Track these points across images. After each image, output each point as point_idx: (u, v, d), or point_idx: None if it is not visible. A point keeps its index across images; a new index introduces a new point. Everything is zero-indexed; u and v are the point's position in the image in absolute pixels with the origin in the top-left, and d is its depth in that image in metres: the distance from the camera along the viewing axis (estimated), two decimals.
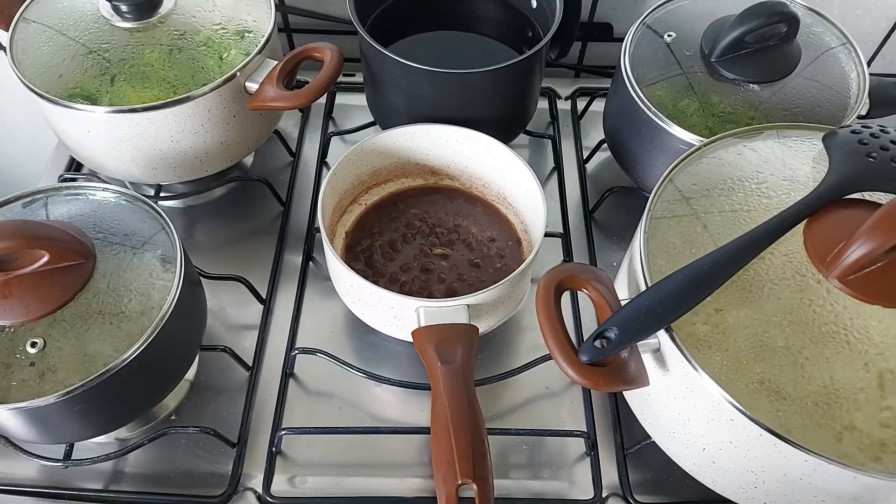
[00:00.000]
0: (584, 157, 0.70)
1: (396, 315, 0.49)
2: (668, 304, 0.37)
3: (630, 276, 0.45)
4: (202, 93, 0.54)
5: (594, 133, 0.74)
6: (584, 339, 0.39)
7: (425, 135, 0.58)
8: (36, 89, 0.54)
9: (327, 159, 0.70)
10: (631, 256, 0.46)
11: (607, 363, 0.38)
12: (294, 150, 0.70)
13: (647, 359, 0.41)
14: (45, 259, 0.42)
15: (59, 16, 0.59)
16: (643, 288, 0.42)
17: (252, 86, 0.56)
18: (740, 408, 0.36)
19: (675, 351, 0.38)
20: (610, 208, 0.66)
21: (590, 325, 0.59)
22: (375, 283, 0.50)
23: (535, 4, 0.63)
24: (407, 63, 0.54)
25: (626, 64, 0.58)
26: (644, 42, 0.59)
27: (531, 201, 0.55)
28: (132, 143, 0.55)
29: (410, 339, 0.51)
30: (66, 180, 0.66)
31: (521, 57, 0.55)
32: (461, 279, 0.56)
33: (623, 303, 0.41)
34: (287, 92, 0.55)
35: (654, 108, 0.55)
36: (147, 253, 0.51)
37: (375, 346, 0.58)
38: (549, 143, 0.72)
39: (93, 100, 0.56)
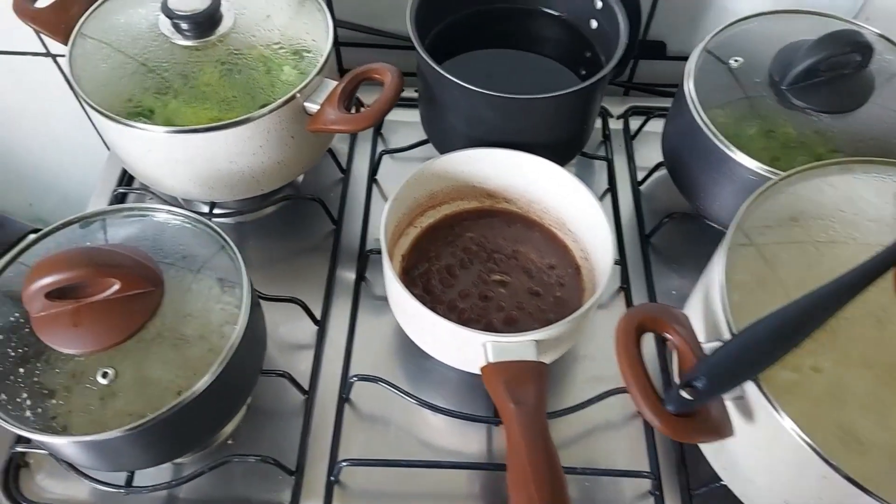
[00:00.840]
0: (639, 178, 0.69)
1: (460, 347, 0.48)
2: (758, 354, 0.36)
3: (706, 315, 0.44)
4: (262, 114, 0.53)
5: (646, 152, 0.72)
6: (650, 377, 0.38)
7: (486, 159, 0.57)
8: (97, 107, 0.53)
9: (377, 177, 0.69)
10: (706, 294, 0.45)
11: (692, 413, 0.36)
12: (345, 166, 0.70)
13: (729, 406, 0.40)
14: (116, 287, 0.42)
15: (118, 32, 0.59)
16: (722, 328, 0.40)
17: (311, 106, 0.55)
18: (834, 464, 0.35)
19: (761, 400, 0.37)
20: (666, 232, 0.65)
21: (651, 357, 0.58)
22: (434, 310, 0.49)
23: (594, 25, 0.61)
24: (469, 87, 0.53)
25: (690, 88, 0.56)
26: (707, 65, 0.58)
27: (596, 232, 0.53)
28: (190, 162, 0.55)
29: (472, 371, 0.50)
30: (120, 195, 0.66)
31: (586, 84, 0.54)
32: (521, 308, 0.55)
33: (705, 347, 0.40)
34: (348, 115, 0.54)
35: (720, 136, 0.53)
36: (208, 276, 0.51)
37: (429, 370, 0.57)
38: (596, 161, 0.71)
39: (150, 117, 0.56)
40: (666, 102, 0.74)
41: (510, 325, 0.54)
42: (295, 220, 0.67)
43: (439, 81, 0.56)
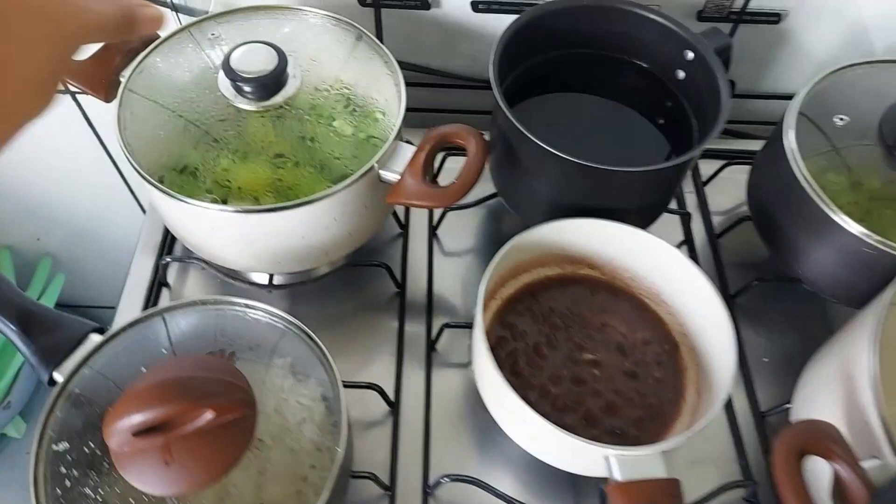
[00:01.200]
0: (717, 230, 0.65)
1: (575, 455, 0.44)
2: None
3: (849, 417, 0.41)
4: (339, 189, 0.48)
5: (718, 198, 0.69)
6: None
7: (576, 229, 0.52)
8: (159, 185, 0.48)
9: (438, 231, 0.65)
10: (845, 389, 0.42)
11: None
12: (403, 220, 0.65)
13: None
14: (210, 417, 0.37)
15: (173, 92, 0.53)
16: (882, 446, 0.37)
17: (389, 175, 0.50)
18: None
19: None
20: (752, 293, 0.61)
21: None
22: (525, 397, 0.45)
23: (681, 76, 0.57)
24: (563, 156, 0.48)
25: (791, 146, 0.52)
26: (806, 120, 0.54)
27: (705, 314, 0.50)
28: (260, 240, 0.50)
29: (581, 473, 0.47)
30: (166, 264, 0.60)
31: (688, 156, 0.49)
32: (618, 393, 0.51)
33: (866, 468, 0.37)
34: (432, 189, 0.49)
35: (830, 202, 0.50)
36: (278, 365, 0.47)
37: (509, 449, 0.53)
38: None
39: (198, 176, 0.51)
40: (740, 144, 0.71)
41: (610, 414, 0.50)
42: (354, 282, 0.62)
43: (526, 144, 0.51)
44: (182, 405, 0.36)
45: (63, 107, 0.78)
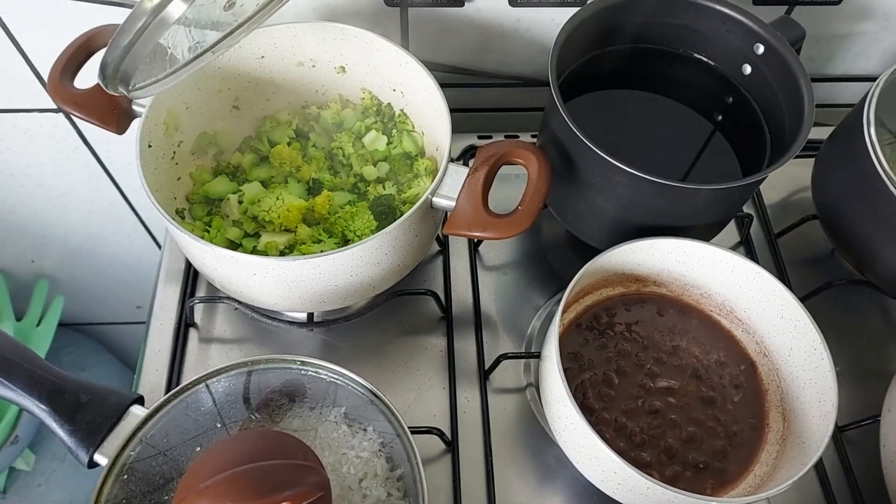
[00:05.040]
0: (776, 230, 0.61)
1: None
2: None
3: None
4: (394, 227, 0.43)
5: (769, 193, 0.65)
6: None
7: (648, 248, 0.48)
8: (188, 232, 0.43)
9: (480, 248, 0.61)
10: None
11: None
12: (442, 237, 0.60)
13: None
14: None
15: (193, 116, 0.48)
16: None
17: (442, 202, 0.46)
18: None
19: None
20: (820, 297, 0.58)
21: None
22: (601, 433, 0.42)
23: (748, 70, 0.52)
24: (632, 171, 0.44)
25: (872, 140, 0.48)
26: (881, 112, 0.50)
27: (792, 334, 0.46)
28: (305, 282, 0.45)
29: None
30: (196, 303, 0.55)
31: (773, 168, 0.45)
32: (697, 423, 0.47)
33: None
34: (494, 219, 0.44)
35: None
36: (350, 432, 0.43)
37: (584, 489, 0.50)
38: None
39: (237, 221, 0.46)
40: None
41: (691, 447, 0.47)
42: (397, 311, 0.57)
43: (589, 156, 0.46)
44: (257, 501, 0.32)
45: (54, 125, 0.71)
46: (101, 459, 0.38)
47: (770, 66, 0.50)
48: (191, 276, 0.57)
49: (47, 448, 0.93)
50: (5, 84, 0.66)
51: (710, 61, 0.54)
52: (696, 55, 0.54)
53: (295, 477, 0.34)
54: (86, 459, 0.38)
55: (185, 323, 0.55)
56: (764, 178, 0.46)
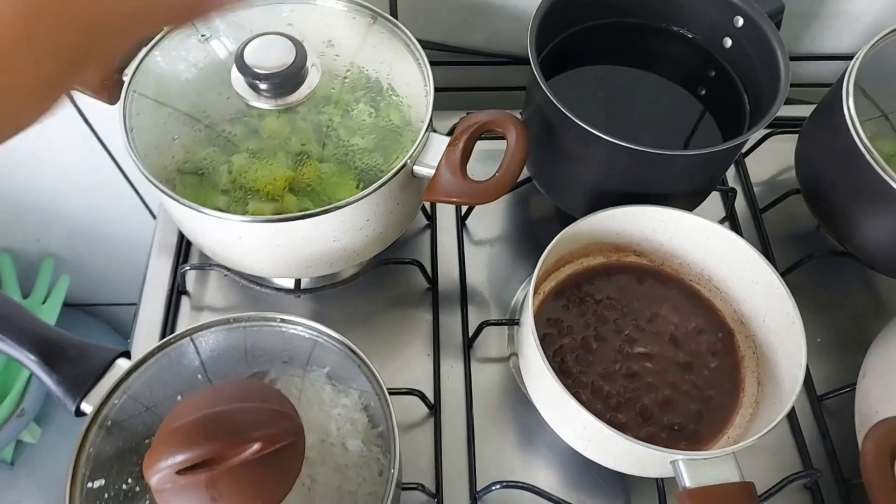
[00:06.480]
0: (761, 205, 0.62)
1: (638, 461, 0.42)
2: None
3: None
4: (372, 190, 0.45)
5: (756, 169, 0.65)
6: None
7: (627, 216, 0.49)
8: (173, 195, 0.44)
9: (467, 222, 0.62)
10: None
11: None
12: (430, 212, 0.62)
13: None
14: (257, 447, 0.34)
15: (179, 91, 0.49)
16: None
17: (422, 170, 0.47)
18: None
19: None
20: (800, 269, 0.58)
21: None
22: (577, 395, 0.43)
23: (728, 44, 0.53)
24: (611, 140, 0.45)
25: (850, 113, 0.49)
26: (861, 84, 0.51)
27: (768, 300, 0.47)
28: (289, 246, 0.47)
29: (642, 475, 0.45)
30: (185, 272, 0.57)
31: (750, 133, 0.46)
32: (674, 387, 0.48)
33: None
34: (472, 184, 0.45)
35: (889, 170, 0.47)
36: (334, 392, 0.44)
37: (566, 454, 0.51)
38: None
39: (212, 174, 0.47)
40: (781, 111, 0.67)
41: (667, 409, 0.47)
42: (384, 281, 0.59)
43: (569, 127, 0.47)
44: (227, 440, 0.33)
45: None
46: (87, 408, 0.39)
47: (749, 38, 0.51)
48: (183, 247, 0.59)
49: (53, 421, 0.96)
50: None
51: (692, 35, 0.54)
52: (678, 29, 0.55)
53: (267, 420, 0.35)
54: (73, 408, 0.39)
55: (177, 290, 0.56)
56: (739, 146, 0.47)
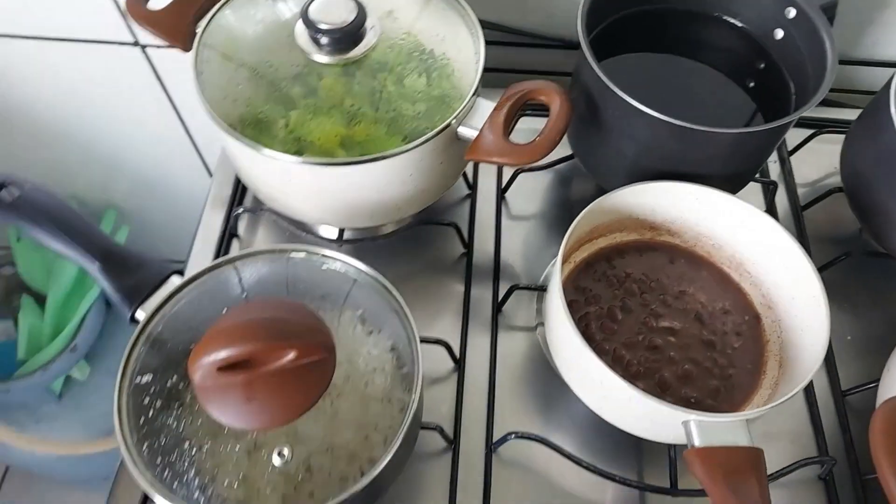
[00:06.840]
0: (802, 202, 0.62)
1: (652, 419, 0.43)
2: None
3: None
4: (418, 144, 0.47)
5: (802, 169, 0.65)
6: None
7: (663, 193, 0.50)
8: (237, 133, 0.48)
9: (506, 194, 0.64)
10: None
11: None
12: (472, 181, 0.64)
13: None
14: (292, 356, 0.37)
15: (247, 45, 0.53)
16: None
17: (466, 132, 0.49)
18: None
19: None
20: (837, 269, 0.58)
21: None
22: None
23: (780, 35, 0.54)
24: (654, 115, 0.46)
25: (894, 112, 0.49)
26: None
27: (799, 287, 0.48)
28: (335, 193, 0.50)
29: (656, 440, 0.46)
30: (237, 215, 0.61)
31: (787, 119, 0.46)
32: (695, 363, 0.49)
33: None
34: (512, 146, 0.47)
35: None
36: (365, 332, 0.47)
37: (575, 408, 0.52)
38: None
39: (271, 129, 0.51)
40: (830, 113, 0.67)
41: (686, 383, 0.48)
42: (422, 241, 0.61)
43: (613, 101, 0.49)
44: (267, 344, 0.36)
45: (131, 58, 0.78)
46: (141, 315, 0.43)
47: (800, 30, 0.52)
48: (238, 193, 0.63)
49: (101, 362, 1.02)
50: (89, 16, 0.73)
51: (742, 24, 0.55)
52: (728, 18, 0.56)
53: (305, 332, 0.38)
54: (128, 314, 0.43)
55: (228, 233, 0.60)
56: (780, 128, 0.47)
